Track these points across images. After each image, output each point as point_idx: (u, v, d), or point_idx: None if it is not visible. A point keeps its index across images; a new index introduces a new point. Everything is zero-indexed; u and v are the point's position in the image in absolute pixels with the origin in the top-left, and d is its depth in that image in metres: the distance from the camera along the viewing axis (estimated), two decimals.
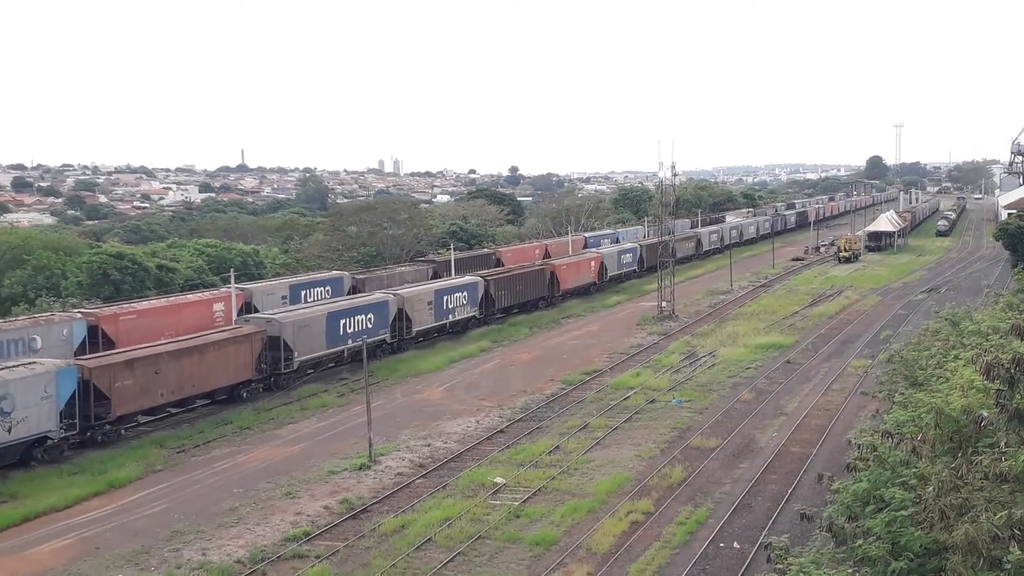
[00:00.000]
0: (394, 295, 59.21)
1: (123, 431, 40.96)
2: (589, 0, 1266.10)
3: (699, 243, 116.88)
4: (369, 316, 55.62)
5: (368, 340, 52.03)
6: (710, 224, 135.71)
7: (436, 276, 76.34)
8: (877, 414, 35.31)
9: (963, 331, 33.31)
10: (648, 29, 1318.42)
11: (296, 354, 49.85)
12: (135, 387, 40.77)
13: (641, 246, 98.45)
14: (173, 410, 44.45)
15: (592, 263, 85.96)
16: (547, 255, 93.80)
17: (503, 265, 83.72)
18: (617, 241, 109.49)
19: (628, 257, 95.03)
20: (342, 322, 53.43)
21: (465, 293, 65.49)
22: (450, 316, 63.66)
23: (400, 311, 58.46)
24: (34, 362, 38.43)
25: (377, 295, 59.57)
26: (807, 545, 22.43)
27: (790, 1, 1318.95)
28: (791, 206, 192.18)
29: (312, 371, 52.73)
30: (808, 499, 31.24)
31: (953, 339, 33.20)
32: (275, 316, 50.58)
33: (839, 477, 21.15)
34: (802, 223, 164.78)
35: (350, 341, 53.52)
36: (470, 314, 65.97)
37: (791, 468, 36.15)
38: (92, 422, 39.24)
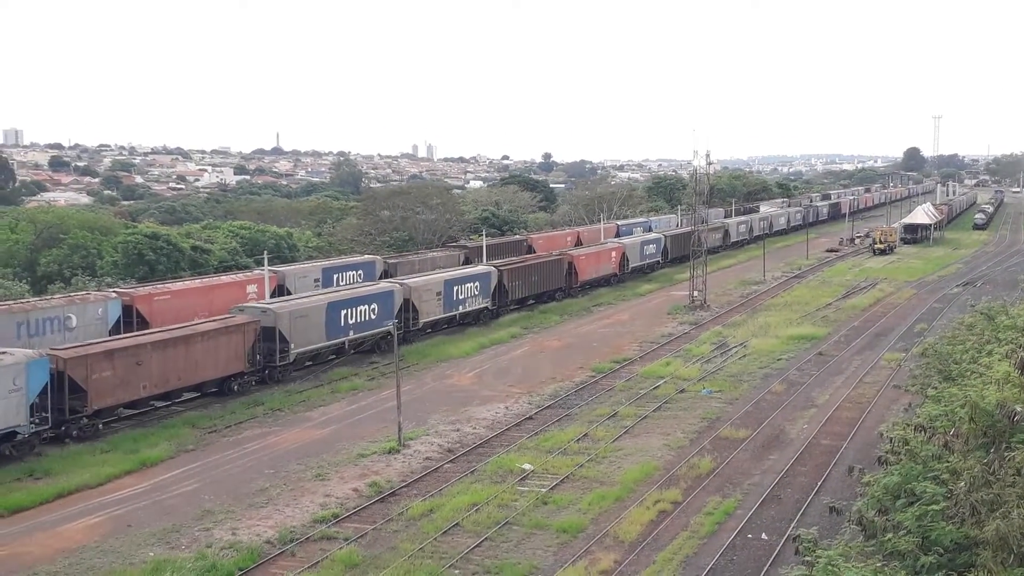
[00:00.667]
0: (400, 284, 56.90)
1: (100, 426, 38.94)
2: None
3: (727, 234, 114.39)
4: (373, 307, 53.09)
5: (373, 332, 52.88)
6: (741, 215, 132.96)
7: (468, 261, 76.44)
8: (910, 407, 35.06)
9: (999, 325, 32.94)
10: (686, 16, 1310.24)
11: (292, 346, 47.57)
12: (114, 379, 38.75)
13: (666, 236, 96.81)
14: (158, 404, 42.47)
15: (613, 254, 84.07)
16: (579, 242, 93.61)
17: (534, 252, 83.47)
18: (650, 229, 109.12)
19: (652, 248, 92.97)
20: (343, 312, 51.12)
21: (477, 283, 63.24)
22: (460, 307, 61.34)
23: (407, 301, 56.32)
24: (3, 352, 36.15)
25: (383, 284, 57.71)
26: (836, 538, 22.31)
27: None
28: (826, 196, 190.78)
29: (311, 363, 50.51)
30: (838, 492, 31.11)
31: (988, 333, 32.84)
32: (270, 306, 48.19)
33: (870, 470, 21.05)
34: (835, 215, 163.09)
35: (352, 333, 51.71)
36: (482, 305, 63.76)
37: (821, 460, 35.95)
38: (67, 416, 37.26)
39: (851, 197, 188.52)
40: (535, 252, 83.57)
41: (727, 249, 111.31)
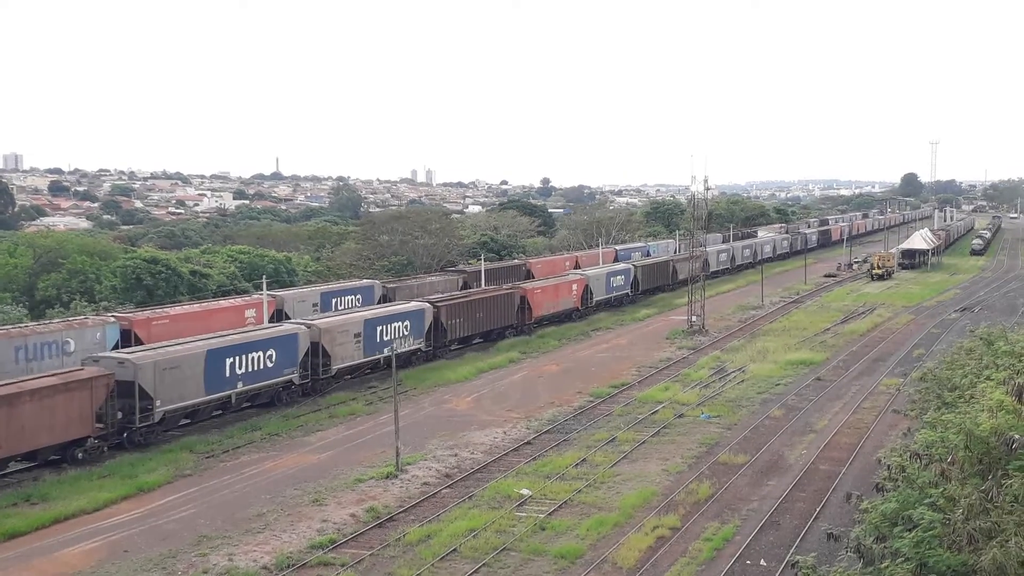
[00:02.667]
0: (307, 326, 50.09)
1: None
2: (626, 15, 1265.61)
3: (706, 264, 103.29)
4: (270, 353, 46.55)
5: (269, 382, 46.92)
6: (722, 243, 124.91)
7: (466, 286, 76.37)
8: (908, 433, 35.02)
9: (997, 351, 32.96)
10: (684, 44, 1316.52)
11: (158, 403, 40.58)
12: None
13: (635, 267, 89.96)
14: None
15: (574, 286, 77.51)
16: (577, 266, 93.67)
17: (533, 277, 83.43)
18: (648, 254, 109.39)
19: (619, 279, 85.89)
20: (229, 361, 44.26)
21: (407, 322, 56.79)
22: (386, 349, 51.04)
23: (315, 345, 49.69)
24: None
25: (285, 326, 50.52)
26: (834, 565, 22.27)
27: (828, 17, 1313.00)
28: (823, 222, 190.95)
29: (189, 420, 43.69)
30: (836, 518, 31.04)
31: (987, 359, 32.86)
32: (129, 356, 41.19)
33: (868, 497, 21.02)
34: (825, 242, 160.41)
35: (241, 384, 45.06)
36: (414, 347, 57.40)
37: (820, 486, 35.90)
38: None
39: (844, 224, 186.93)
40: (534, 276, 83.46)
41: (706, 279, 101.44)
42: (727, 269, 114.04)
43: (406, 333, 56.47)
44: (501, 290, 69.57)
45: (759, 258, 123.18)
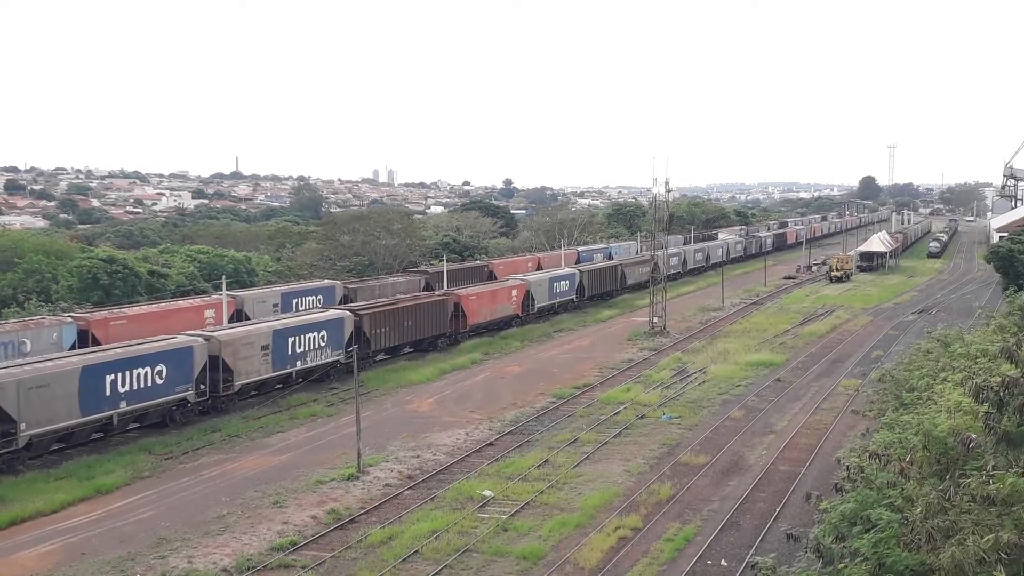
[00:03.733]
0: (205, 338, 45.46)
1: None
2: (587, 15, 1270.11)
3: (656, 268, 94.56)
4: (159, 368, 42.04)
5: (159, 400, 42.29)
6: (673, 247, 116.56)
7: (428, 287, 76.18)
8: (867, 433, 35.37)
9: (953, 353, 33.37)
10: (644, 46, 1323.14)
11: (23, 427, 36.19)
12: None
13: (581, 272, 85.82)
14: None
15: (514, 292, 73.57)
16: (539, 268, 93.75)
17: (495, 278, 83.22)
18: (610, 256, 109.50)
19: (563, 285, 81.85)
20: (111, 378, 39.78)
21: (324, 333, 52.47)
22: (299, 363, 50.56)
23: (214, 359, 45.13)
24: None
25: (179, 339, 45.01)
26: (793, 565, 22.44)
27: (787, 20, 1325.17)
28: (783, 224, 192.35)
29: (63, 445, 39.26)
30: (796, 518, 31.32)
31: (943, 360, 33.26)
32: None
33: (827, 497, 21.17)
34: (780, 245, 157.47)
35: (124, 404, 40.58)
36: (331, 359, 52.86)
37: (780, 487, 36.17)
38: None
39: (800, 227, 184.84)
40: (496, 278, 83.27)
41: (655, 285, 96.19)
42: (679, 273, 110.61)
43: (322, 344, 52.09)
44: (432, 296, 65.81)
45: (712, 262, 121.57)
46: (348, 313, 55.17)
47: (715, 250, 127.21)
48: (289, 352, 49.77)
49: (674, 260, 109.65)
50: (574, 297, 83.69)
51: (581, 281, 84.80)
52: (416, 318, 60.73)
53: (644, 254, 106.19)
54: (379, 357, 58.83)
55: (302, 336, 50.77)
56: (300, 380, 50.83)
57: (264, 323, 51.06)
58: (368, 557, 29.27)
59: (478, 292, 69.75)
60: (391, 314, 58.70)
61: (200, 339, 45.11)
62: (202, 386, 44.65)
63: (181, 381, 43.47)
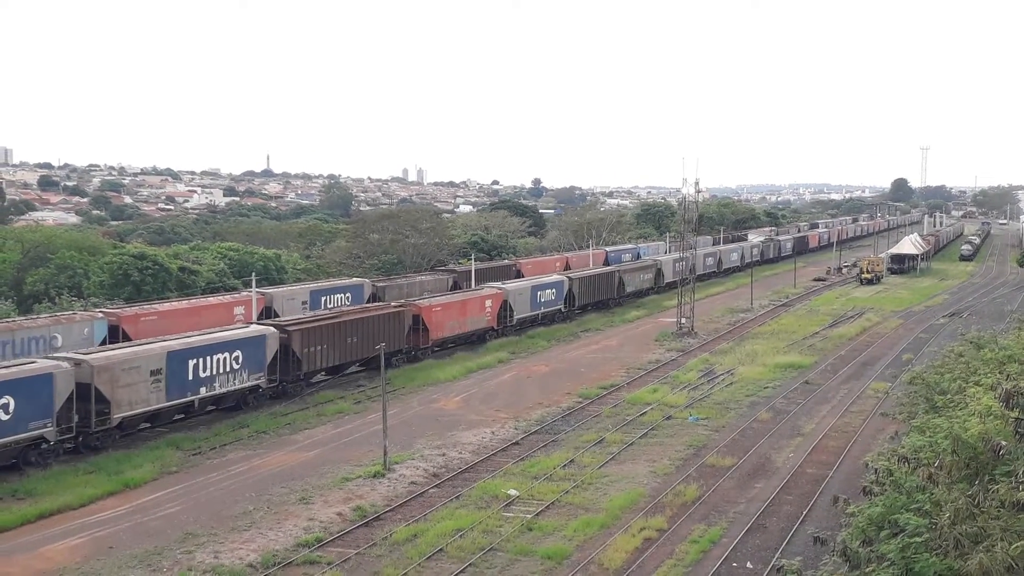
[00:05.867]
0: (75, 362, 38.06)
1: None
2: (619, 17, 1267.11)
3: (659, 274, 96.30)
4: (4, 401, 34.75)
5: (6, 440, 34.81)
6: (676, 252, 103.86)
7: (456, 286, 76.04)
8: (896, 436, 35.11)
9: (985, 356, 33.07)
10: (676, 46, 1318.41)
11: None
12: None
13: (570, 279, 78.27)
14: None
15: (488, 302, 66.12)
16: (567, 267, 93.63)
17: (522, 276, 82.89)
18: (638, 256, 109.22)
19: (549, 294, 74.48)
20: None
21: (239, 353, 45.30)
22: (203, 389, 43.33)
23: (84, 387, 37.73)
24: None
25: (39, 363, 37.58)
26: (819, 569, 22.28)
27: (821, 22, 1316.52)
28: (814, 226, 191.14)
29: None
30: (823, 522, 31.09)
31: (975, 363, 32.97)
32: None
33: (855, 500, 21.02)
34: (802, 250, 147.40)
35: None
36: (249, 383, 46.07)
37: (807, 490, 35.93)
38: None
39: (822, 230, 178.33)
40: (523, 276, 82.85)
41: (660, 292, 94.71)
42: (685, 279, 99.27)
43: (237, 366, 45.13)
44: (385, 308, 57.68)
45: (723, 267, 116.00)
46: (271, 329, 47.90)
47: (729, 255, 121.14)
48: (189, 377, 42.44)
49: (679, 267, 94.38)
50: (562, 307, 76.39)
51: (570, 289, 77.34)
52: (363, 333, 53.19)
53: (648, 259, 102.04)
54: (317, 379, 52.66)
55: (208, 358, 43.47)
56: (211, 408, 45.05)
57: (156, 343, 43.00)
58: (393, 554, 29.32)
59: (443, 303, 62.49)
60: (329, 329, 51.26)
61: (65, 364, 37.58)
62: (66, 422, 37.22)
63: (37, 416, 35.89)
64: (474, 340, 65.03)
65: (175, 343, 43.04)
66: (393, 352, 54.81)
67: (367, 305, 61.70)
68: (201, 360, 43.04)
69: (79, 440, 38.15)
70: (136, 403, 39.96)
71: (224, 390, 44.50)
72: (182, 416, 43.66)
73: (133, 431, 40.92)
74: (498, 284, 70.91)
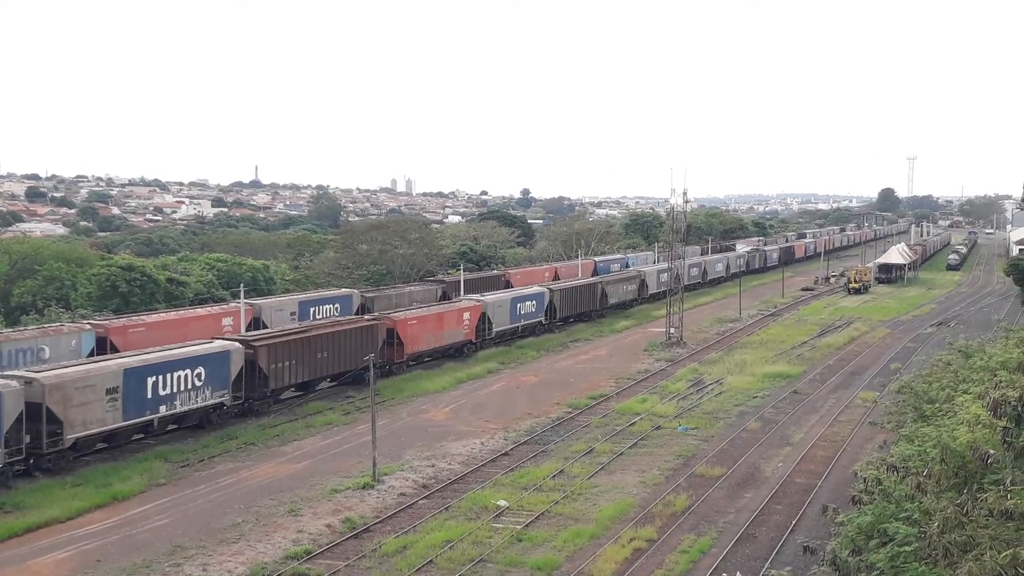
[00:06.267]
0: (26, 381, 36.28)
1: None
2: (606, 27, 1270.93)
3: (643, 285, 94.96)
4: None
5: None
6: (663, 262, 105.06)
7: (445, 296, 75.92)
8: (884, 445, 35.19)
9: (974, 365, 33.19)
10: (665, 57, 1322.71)
11: None
12: None
13: (551, 291, 77.08)
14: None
15: (466, 315, 64.75)
16: (556, 278, 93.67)
17: (512, 286, 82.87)
18: (627, 266, 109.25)
19: (529, 306, 73.33)
20: None
21: (201, 370, 43.42)
22: (163, 407, 41.51)
23: (36, 408, 35.98)
24: None
25: None
26: None
27: (807, 31, 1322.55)
28: (802, 236, 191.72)
29: None
30: (812, 531, 31.12)
31: (964, 372, 33.09)
32: None
33: (844, 509, 21.05)
34: (788, 260, 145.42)
35: None
36: (212, 401, 44.40)
37: (796, 499, 35.98)
38: None
39: (808, 240, 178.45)
40: (512, 287, 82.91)
41: (643, 303, 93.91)
42: (670, 290, 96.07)
43: (199, 383, 43.37)
44: (358, 322, 55.99)
45: (708, 278, 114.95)
46: (236, 345, 46.14)
47: (714, 265, 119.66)
48: (148, 395, 40.74)
49: (664, 277, 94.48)
50: (543, 319, 75.12)
51: (551, 301, 76.29)
52: (334, 348, 51.75)
53: (632, 270, 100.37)
54: (285, 396, 50.79)
55: (168, 375, 41.70)
56: (172, 428, 43.52)
57: (112, 360, 41.35)
58: (382, 566, 29.24)
59: (419, 316, 60.71)
60: (297, 344, 49.58)
61: (14, 383, 35.58)
62: (15, 444, 35.38)
63: None
64: (452, 354, 63.76)
65: (132, 360, 41.27)
66: (366, 367, 50.04)
67: (339, 319, 59.78)
68: (160, 377, 41.40)
69: (30, 463, 36.27)
70: (91, 423, 38.25)
71: (185, 408, 42.81)
72: (141, 436, 41.88)
73: (88, 452, 39.25)
74: (476, 296, 69.54)
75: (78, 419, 37.62)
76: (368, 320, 56.64)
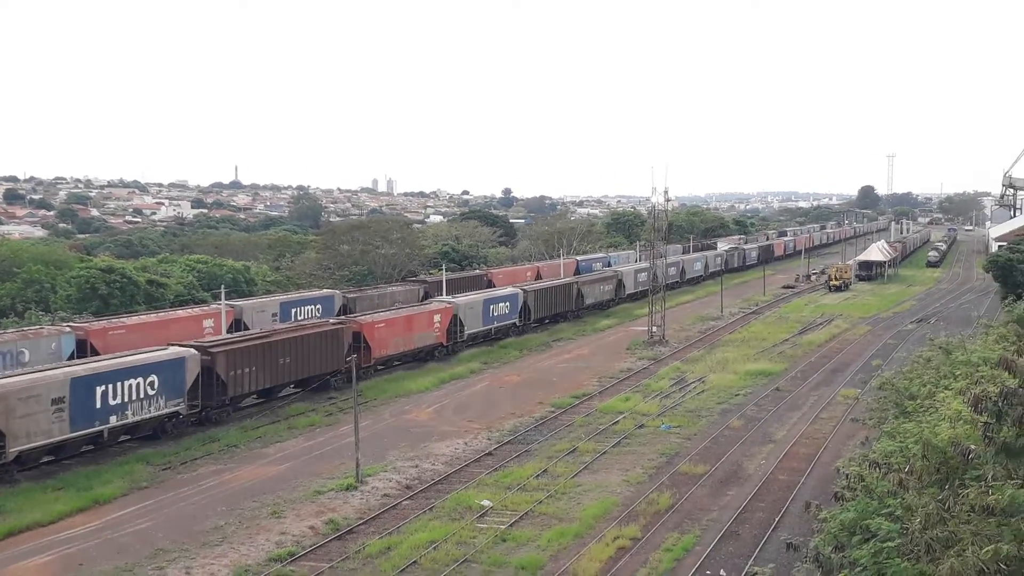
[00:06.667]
0: None
1: None
2: (585, 25, 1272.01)
3: (620, 285, 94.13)
4: None
5: None
6: (642, 261, 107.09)
7: (427, 296, 75.70)
8: (866, 442, 35.32)
9: (954, 361, 33.35)
10: (644, 56, 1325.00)
11: None
12: None
13: (525, 291, 75.57)
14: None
15: (436, 317, 63.10)
16: (539, 277, 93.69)
17: (494, 286, 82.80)
18: (609, 264, 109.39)
19: (503, 307, 71.96)
20: None
21: (154, 378, 41.78)
22: (113, 418, 39.83)
23: None
24: None
25: None
26: (793, 575, 22.37)
27: (786, 29, 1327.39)
28: (782, 234, 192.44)
29: None
30: (795, 528, 31.22)
31: (944, 368, 33.24)
32: None
33: (827, 506, 21.12)
34: (767, 259, 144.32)
35: None
36: (167, 410, 42.69)
37: (779, 496, 36.10)
38: None
39: (788, 239, 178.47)
40: (495, 286, 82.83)
41: (621, 303, 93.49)
42: (648, 290, 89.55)
43: (152, 392, 41.70)
44: (322, 325, 54.29)
45: (686, 277, 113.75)
46: (192, 351, 44.43)
47: (692, 264, 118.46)
48: (97, 405, 39.07)
49: (642, 277, 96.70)
50: (516, 321, 73.76)
51: (525, 302, 74.93)
52: (297, 353, 50.27)
53: (608, 270, 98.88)
54: (245, 403, 49.01)
55: (118, 384, 40.00)
56: (125, 439, 41.87)
57: (59, 369, 39.75)
58: (366, 568, 29.19)
59: (387, 319, 58.90)
60: (258, 350, 47.97)
61: None
62: None
63: None
64: (423, 358, 62.49)
65: (80, 368, 39.68)
66: (331, 372, 52.79)
67: (302, 322, 58.25)
68: (111, 386, 39.61)
69: None
70: (36, 435, 36.58)
71: (138, 418, 41.07)
72: (91, 448, 40.15)
73: (34, 466, 37.82)
74: (447, 298, 68.20)
75: (22, 431, 36.09)
76: (333, 324, 54.97)
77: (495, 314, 70.77)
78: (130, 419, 40.84)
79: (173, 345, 46.10)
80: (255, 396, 49.37)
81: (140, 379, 41.13)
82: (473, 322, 67.65)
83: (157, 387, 41.89)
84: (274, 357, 48.86)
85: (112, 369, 40.18)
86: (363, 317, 58.18)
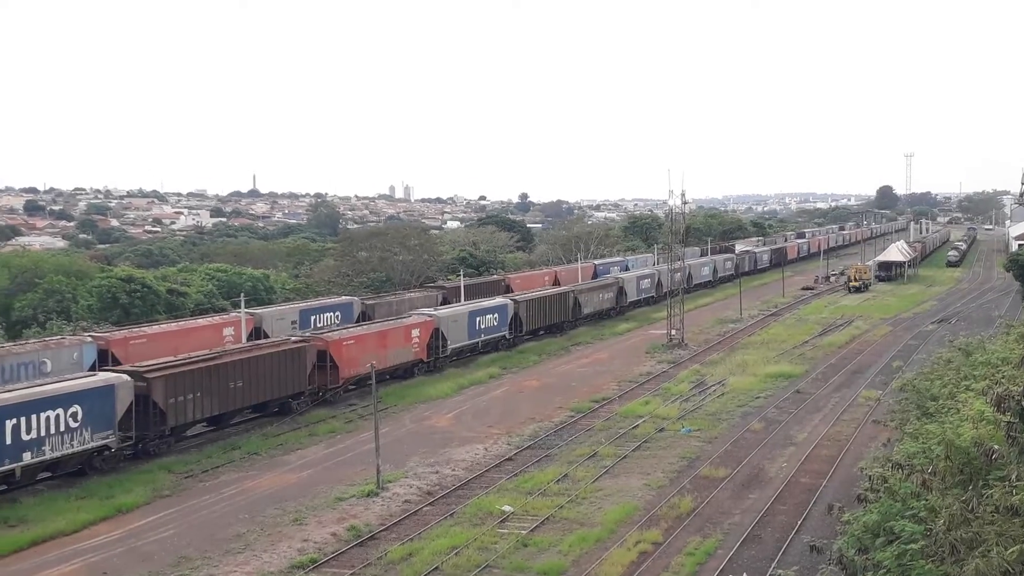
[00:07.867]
0: None
1: None
2: (602, 30, 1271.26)
3: (621, 292, 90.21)
4: None
5: None
6: (642, 267, 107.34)
7: (446, 301, 75.64)
8: (888, 444, 35.17)
9: (975, 362, 33.17)
10: (661, 58, 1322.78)
11: None
12: None
13: (516, 302, 71.44)
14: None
15: (415, 332, 58.91)
16: (556, 282, 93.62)
17: (512, 291, 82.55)
18: (627, 269, 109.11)
19: (490, 319, 67.65)
20: None
21: (77, 408, 37.17)
22: (26, 454, 35.41)
23: None
24: None
25: None
26: None
27: (803, 29, 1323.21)
28: (801, 235, 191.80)
29: None
30: (818, 531, 31.07)
31: (965, 369, 33.06)
32: None
33: (849, 508, 21.05)
34: (779, 262, 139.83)
35: None
36: (91, 444, 37.99)
37: (801, 499, 35.95)
38: None
39: (802, 241, 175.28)
40: (513, 291, 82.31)
41: (623, 311, 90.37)
42: (651, 298, 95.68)
43: (75, 425, 37.08)
44: (282, 344, 49.86)
45: (694, 282, 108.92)
46: (124, 377, 39.78)
47: (700, 269, 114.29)
48: (8, 441, 34.76)
49: (645, 283, 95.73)
50: (506, 334, 69.46)
51: (516, 313, 70.65)
52: (252, 376, 45.80)
53: (609, 277, 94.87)
54: (191, 433, 44.62)
55: (32, 416, 35.58)
56: (45, 476, 37.58)
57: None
58: (388, 574, 29.23)
59: (357, 335, 54.35)
60: (203, 374, 43.21)
61: None
62: None
63: None
64: (400, 375, 58.30)
65: (14, 397, 35.77)
66: (294, 394, 49.04)
67: (259, 342, 52.88)
68: (23, 419, 35.21)
69: None
70: None
71: (58, 454, 36.59)
72: (3, 488, 35.90)
73: None
74: (428, 311, 63.75)
75: None
76: (295, 342, 50.50)
77: (482, 327, 66.63)
78: (48, 455, 36.36)
79: (104, 370, 42.58)
80: (204, 424, 45.25)
81: (60, 410, 36.66)
82: (457, 336, 63.56)
83: (81, 418, 37.40)
84: (223, 381, 44.34)
85: (24, 400, 35.78)
86: (330, 334, 53.87)
